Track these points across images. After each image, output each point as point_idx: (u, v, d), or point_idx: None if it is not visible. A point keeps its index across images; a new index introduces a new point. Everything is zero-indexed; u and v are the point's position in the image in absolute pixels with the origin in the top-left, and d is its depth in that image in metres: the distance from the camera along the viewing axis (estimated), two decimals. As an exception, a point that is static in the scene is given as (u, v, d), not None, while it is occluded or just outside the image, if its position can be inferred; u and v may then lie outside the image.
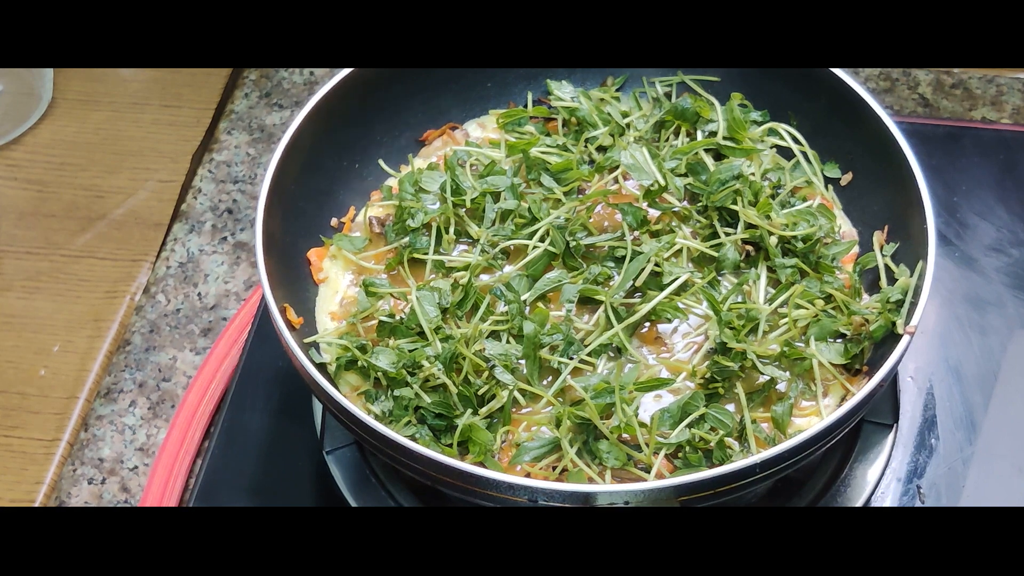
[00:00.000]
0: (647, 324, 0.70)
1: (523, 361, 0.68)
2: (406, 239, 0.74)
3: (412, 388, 0.67)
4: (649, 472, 0.64)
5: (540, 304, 0.71)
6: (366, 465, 0.76)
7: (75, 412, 0.84)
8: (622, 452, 0.64)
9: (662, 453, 0.64)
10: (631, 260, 0.70)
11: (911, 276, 0.69)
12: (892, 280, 0.70)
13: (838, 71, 0.75)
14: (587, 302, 0.70)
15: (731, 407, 0.66)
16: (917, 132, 0.74)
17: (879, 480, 0.75)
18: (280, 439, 0.81)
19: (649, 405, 0.67)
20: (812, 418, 0.67)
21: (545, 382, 0.68)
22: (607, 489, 0.61)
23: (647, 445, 0.64)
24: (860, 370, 0.69)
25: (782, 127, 0.78)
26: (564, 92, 0.82)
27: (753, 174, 0.75)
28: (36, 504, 0.80)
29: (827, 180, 0.78)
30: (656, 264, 0.70)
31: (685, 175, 0.75)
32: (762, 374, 0.67)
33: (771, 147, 0.78)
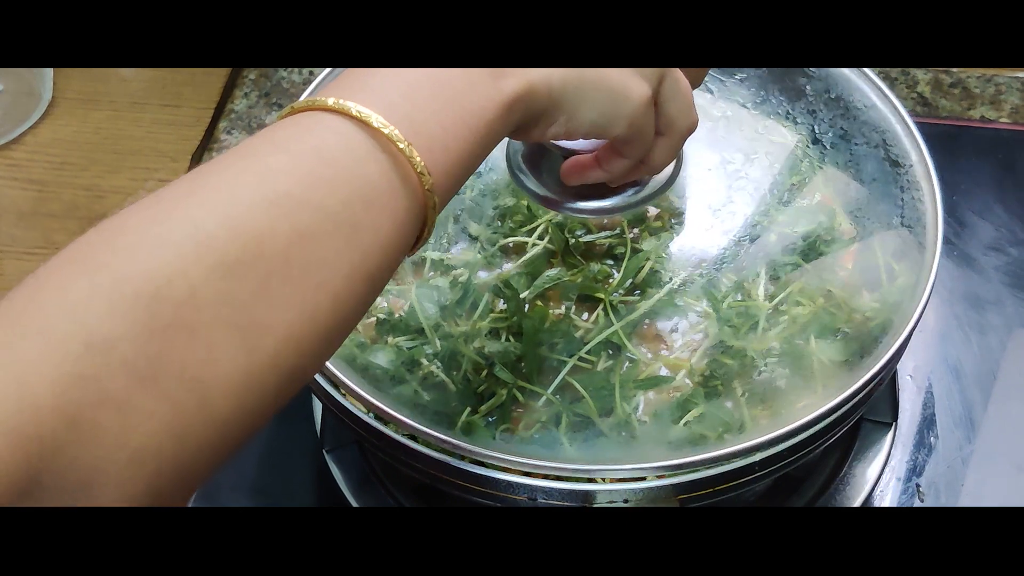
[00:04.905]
0: (646, 322, 0.70)
1: (522, 359, 0.68)
2: (405, 237, 0.74)
3: (411, 386, 0.67)
4: (648, 470, 0.64)
5: (539, 302, 0.71)
6: (366, 464, 0.76)
7: (75, 411, 0.84)
8: (621, 450, 0.64)
9: (661, 451, 0.64)
10: (630, 258, 0.70)
11: (911, 274, 0.69)
12: (892, 278, 0.70)
13: (837, 71, 0.76)
14: (586, 300, 0.70)
15: (730, 404, 0.66)
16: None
17: (878, 478, 0.75)
18: (280, 438, 0.81)
19: (648, 403, 0.67)
20: (811, 415, 0.67)
21: (544, 380, 0.68)
22: (606, 488, 0.61)
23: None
24: (859, 368, 0.68)
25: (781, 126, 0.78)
26: (563, 91, 0.82)
27: (752, 172, 0.75)
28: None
29: (827, 178, 0.78)
30: (655, 262, 0.70)
31: (684, 173, 0.75)
32: (761, 371, 0.67)
33: (770, 146, 0.79)
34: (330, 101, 0.45)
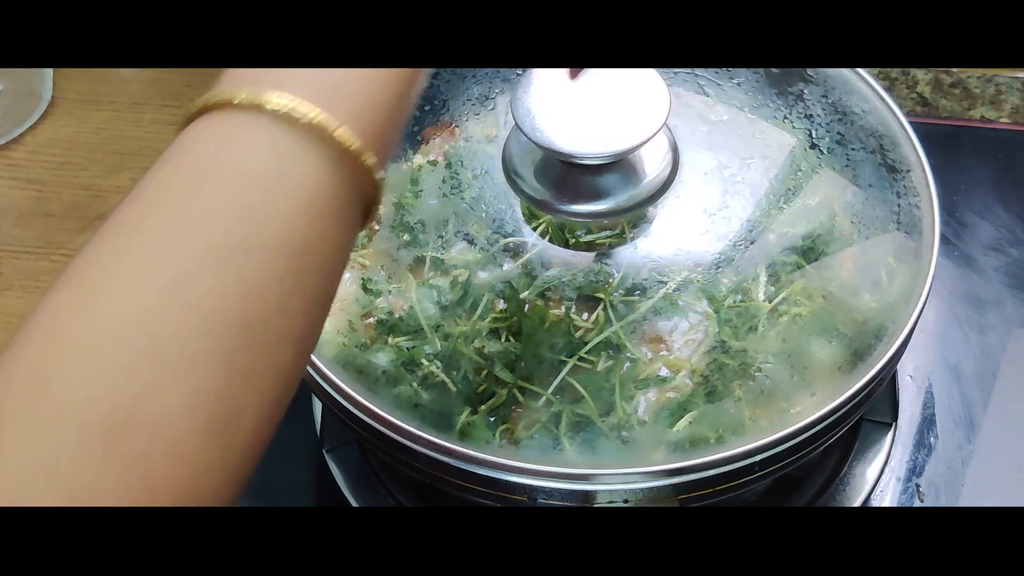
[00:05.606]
0: (646, 322, 0.70)
1: (522, 359, 0.68)
2: (405, 236, 0.74)
3: (411, 386, 0.67)
4: (648, 470, 0.64)
5: (539, 302, 0.71)
6: (366, 463, 0.76)
7: (75, 411, 0.84)
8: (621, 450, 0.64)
9: (661, 451, 0.64)
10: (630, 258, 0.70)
11: (910, 275, 0.69)
12: (891, 279, 0.70)
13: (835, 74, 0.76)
14: (586, 300, 0.70)
15: (730, 404, 0.66)
16: (916, 131, 0.74)
17: (878, 478, 0.75)
18: (280, 438, 0.80)
19: (648, 403, 0.67)
20: (811, 415, 0.67)
21: (544, 380, 0.68)
22: (606, 488, 0.61)
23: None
24: (859, 368, 0.69)
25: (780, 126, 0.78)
26: (564, 91, 0.82)
27: (752, 172, 0.75)
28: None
29: (825, 182, 0.78)
30: (655, 262, 0.70)
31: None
32: (761, 371, 0.67)
33: (770, 146, 0.78)
34: (216, 98, 0.42)
